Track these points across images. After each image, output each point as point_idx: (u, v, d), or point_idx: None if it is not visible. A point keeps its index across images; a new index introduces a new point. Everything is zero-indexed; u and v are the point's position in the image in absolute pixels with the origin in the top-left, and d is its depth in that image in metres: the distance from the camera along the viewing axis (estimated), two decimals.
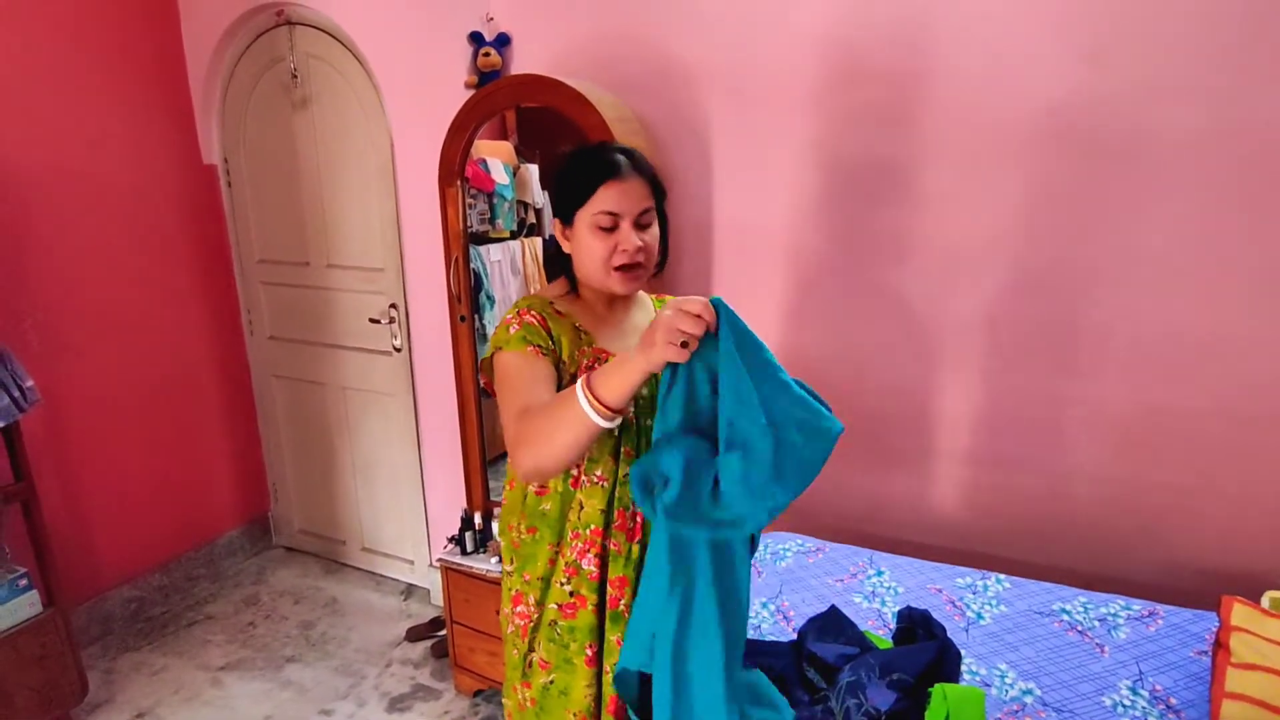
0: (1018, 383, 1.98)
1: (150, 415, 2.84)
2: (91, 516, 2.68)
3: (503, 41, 2.32)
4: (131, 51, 2.67)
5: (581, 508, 1.24)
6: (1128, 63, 1.71)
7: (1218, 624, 1.55)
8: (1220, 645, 1.44)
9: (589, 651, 1.28)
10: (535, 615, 1.30)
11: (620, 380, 1.00)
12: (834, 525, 2.25)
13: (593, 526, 1.24)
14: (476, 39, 2.31)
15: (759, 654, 1.45)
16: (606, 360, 1.19)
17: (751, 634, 1.66)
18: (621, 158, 1.17)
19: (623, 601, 1.27)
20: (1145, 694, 1.45)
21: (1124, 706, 1.43)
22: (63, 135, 2.50)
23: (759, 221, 2.16)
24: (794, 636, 1.57)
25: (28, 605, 2.18)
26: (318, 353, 3.00)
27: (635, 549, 1.26)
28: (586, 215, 1.16)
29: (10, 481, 2.19)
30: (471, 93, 2.19)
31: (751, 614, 1.73)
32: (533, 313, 1.19)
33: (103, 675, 2.53)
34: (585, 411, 1.01)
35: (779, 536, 2.06)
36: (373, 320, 2.79)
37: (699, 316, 0.96)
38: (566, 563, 1.26)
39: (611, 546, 1.26)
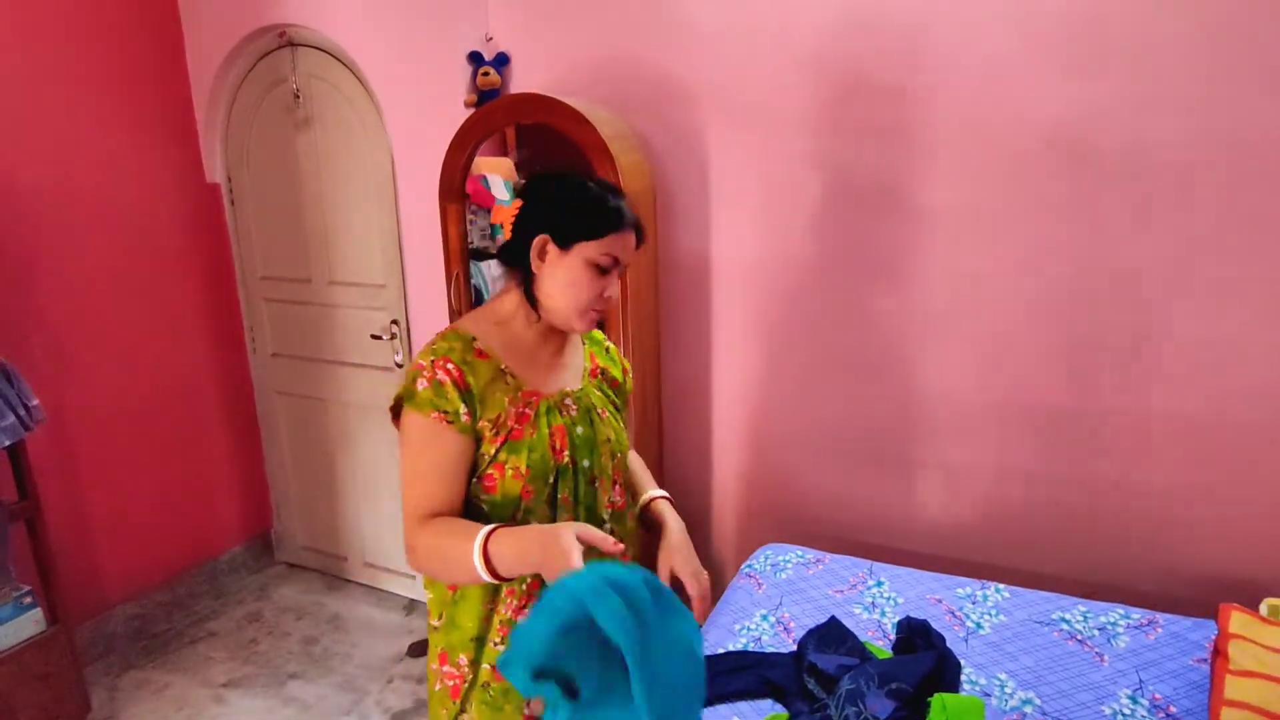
0: (1017, 394, 1.99)
1: (154, 432, 2.86)
2: (95, 534, 2.69)
3: (502, 61, 2.35)
4: (137, 74, 2.71)
5: None
6: (1123, 78, 1.74)
7: (1216, 632, 1.55)
8: (1219, 653, 1.45)
9: (526, 710, 1.19)
10: (469, 675, 1.21)
11: (516, 565, 1.00)
12: (834, 536, 2.25)
13: (530, 580, 1.16)
14: (476, 59, 2.35)
15: (759, 665, 1.46)
16: (536, 404, 1.15)
17: (752, 646, 1.67)
18: (631, 210, 1.17)
19: None
20: (1145, 702, 1.46)
21: (1124, 715, 1.43)
22: (69, 156, 2.53)
23: (755, 235, 2.19)
24: (794, 648, 1.58)
25: (32, 623, 2.19)
26: (320, 369, 3.02)
27: None
28: (591, 250, 1.12)
29: (15, 499, 2.20)
30: (471, 111, 2.22)
31: (752, 625, 1.73)
32: (449, 364, 1.11)
33: (106, 693, 2.54)
34: (477, 570, 1.01)
35: (779, 548, 2.07)
36: (374, 336, 2.81)
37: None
38: (501, 621, 1.18)
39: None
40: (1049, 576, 2.02)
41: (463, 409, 1.10)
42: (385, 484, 2.99)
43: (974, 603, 1.79)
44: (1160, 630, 1.65)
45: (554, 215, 1.14)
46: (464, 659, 1.20)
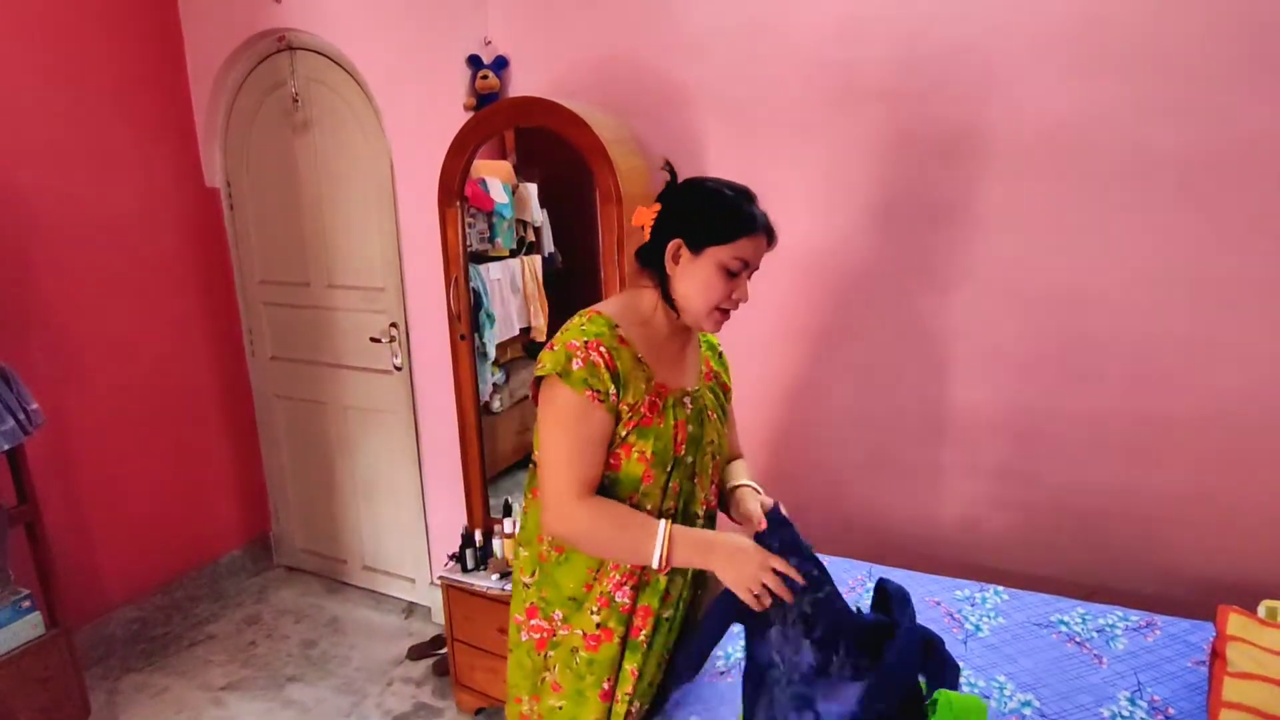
0: (1017, 395, 1.99)
1: (153, 436, 2.86)
2: (94, 537, 2.69)
3: (500, 64, 2.35)
4: (136, 77, 2.71)
5: None
6: (1126, 78, 1.74)
7: (1214, 634, 1.55)
8: (1217, 655, 1.45)
9: (605, 685, 1.27)
10: (559, 633, 1.28)
11: (692, 561, 1.16)
12: (834, 537, 2.25)
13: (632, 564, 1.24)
14: (475, 62, 2.35)
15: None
16: (665, 396, 1.21)
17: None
18: (763, 214, 1.22)
19: (643, 633, 1.26)
20: (1143, 704, 1.46)
21: (1122, 717, 1.43)
22: (69, 159, 2.54)
23: None
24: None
25: (31, 627, 2.19)
26: (319, 372, 3.02)
27: (663, 580, 1.26)
28: (722, 254, 1.18)
29: (14, 503, 2.20)
30: (470, 115, 2.22)
31: None
32: (602, 347, 1.16)
33: (105, 696, 2.53)
34: (650, 559, 1.14)
35: None
36: (373, 339, 2.82)
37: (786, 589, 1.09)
38: (601, 593, 1.24)
39: (645, 577, 1.26)
40: (1048, 578, 2.02)
41: (612, 389, 1.16)
42: (384, 487, 2.99)
43: (973, 605, 1.79)
44: (1159, 632, 1.65)
45: (687, 220, 1.20)
46: (559, 614, 1.28)
